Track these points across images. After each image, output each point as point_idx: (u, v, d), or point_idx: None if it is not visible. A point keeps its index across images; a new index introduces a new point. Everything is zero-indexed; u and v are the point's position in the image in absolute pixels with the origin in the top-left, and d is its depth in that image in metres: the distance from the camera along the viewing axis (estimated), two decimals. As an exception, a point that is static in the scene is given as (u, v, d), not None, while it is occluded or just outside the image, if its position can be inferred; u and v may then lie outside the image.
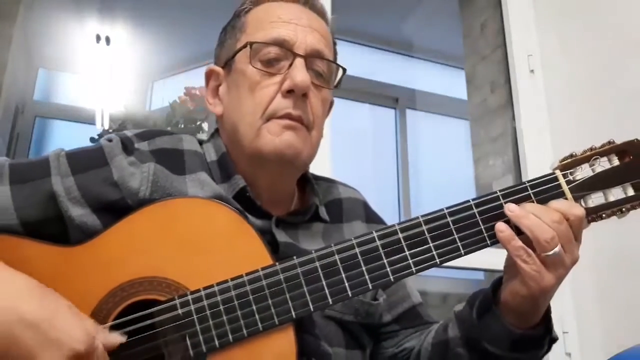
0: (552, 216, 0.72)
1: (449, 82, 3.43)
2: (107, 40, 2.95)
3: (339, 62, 0.95)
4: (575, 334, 1.84)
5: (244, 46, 0.87)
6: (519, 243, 0.72)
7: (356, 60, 3.40)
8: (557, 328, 1.89)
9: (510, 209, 0.74)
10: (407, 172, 3.47)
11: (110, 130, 2.73)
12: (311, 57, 0.86)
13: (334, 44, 0.96)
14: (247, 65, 0.86)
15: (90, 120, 2.82)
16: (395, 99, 3.65)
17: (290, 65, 0.84)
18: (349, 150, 3.18)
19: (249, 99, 0.85)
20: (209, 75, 0.94)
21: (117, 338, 0.68)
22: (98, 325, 0.67)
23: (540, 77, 2.12)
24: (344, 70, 0.93)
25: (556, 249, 0.71)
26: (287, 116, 0.83)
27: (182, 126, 2.65)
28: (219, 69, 0.93)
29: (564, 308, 1.86)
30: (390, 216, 2.03)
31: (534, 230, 0.71)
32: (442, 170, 3.28)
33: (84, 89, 2.93)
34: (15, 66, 2.31)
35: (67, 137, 2.92)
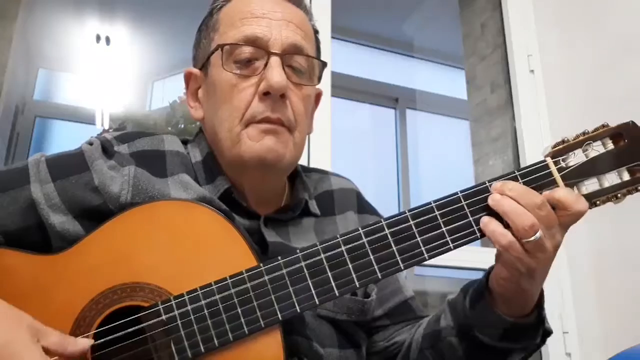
0: (534, 199, 0.69)
1: (449, 82, 3.43)
2: (107, 40, 2.95)
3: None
4: (575, 334, 1.84)
5: (216, 49, 0.83)
6: (498, 228, 0.70)
7: (356, 60, 3.41)
8: (557, 328, 1.90)
9: (493, 193, 0.72)
10: (407, 172, 3.47)
11: (110, 130, 2.73)
12: (288, 54, 0.82)
13: (316, 32, 0.91)
14: (221, 69, 0.82)
15: (90, 120, 2.82)
16: (395, 99, 3.65)
17: (266, 64, 0.80)
18: (349, 150, 3.18)
19: (226, 104, 0.82)
20: (187, 78, 0.90)
21: (85, 342, 0.66)
22: (64, 336, 0.66)
23: (540, 77, 2.12)
24: (324, 64, 0.89)
25: (537, 235, 0.69)
26: (266, 120, 0.80)
27: (182, 126, 2.65)
28: (197, 71, 0.89)
29: (564, 308, 1.86)
30: (390, 216, 2.02)
31: (511, 216, 0.69)
32: (442, 170, 3.28)
33: (84, 89, 2.93)
34: (15, 66, 2.31)
35: (67, 137, 2.92)
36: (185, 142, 0.90)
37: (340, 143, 1.88)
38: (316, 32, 0.92)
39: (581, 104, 1.94)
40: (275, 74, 0.79)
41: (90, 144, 0.82)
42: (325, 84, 1.82)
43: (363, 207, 0.98)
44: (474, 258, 1.74)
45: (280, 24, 0.83)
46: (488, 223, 0.71)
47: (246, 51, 0.81)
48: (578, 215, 0.72)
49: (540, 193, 0.72)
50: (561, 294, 1.86)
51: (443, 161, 3.36)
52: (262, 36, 0.81)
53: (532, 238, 0.68)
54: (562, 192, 0.71)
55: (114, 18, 2.95)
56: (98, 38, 2.94)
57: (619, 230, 1.75)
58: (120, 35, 2.99)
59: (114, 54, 2.96)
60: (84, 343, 0.67)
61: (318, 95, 0.94)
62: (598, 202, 0.74)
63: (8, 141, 2.46)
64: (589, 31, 1.98)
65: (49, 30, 2.79)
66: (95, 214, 0.76)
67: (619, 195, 0.74)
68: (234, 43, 0.82)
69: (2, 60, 2.05)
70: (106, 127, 2.79)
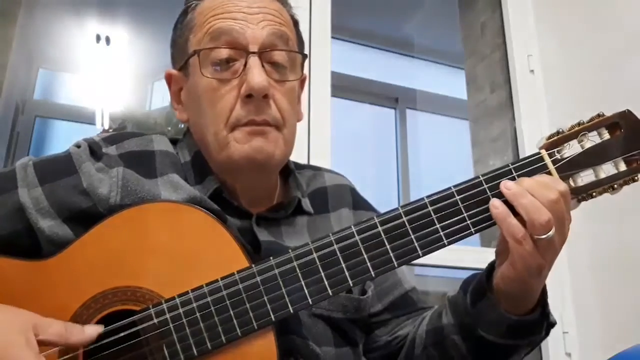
0: (549, 195, 0.68)
1: (449, 82, 3.43)
2: (107, 40, 2.95)
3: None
4: (575, 334, 1.84)
5: (192, 54, 0.82)
6: (515, 221, 0.68)
7: (356, 60, 3.41)
8: (557, 328, 1.90)
9: (507, 186, 0.70)
10: (407, 172, 3.47)
11: (110, 130, 2.73)
12: (266, 50, 0.80)
13: (296, 23, 0.89)
14: (199, 75, 0.81)
15: (90, 120, 2.82)
16: (395, 99, 3.65)
17: (245, 65, 0.79)
18: (349, 150, 3.18)
19: (209, 109, 0.81)
20: (168, 80, 0.90)
21: (94, 330, 0.66)
22: (68, 325, 0.65)
23: (540, 77, 2.12)
24: (305, 56, 0.87)
25: (550, 233, 0.67)
26: (251, 122, 0.79)
27: (182, 126, 2.65)
28: (176, 72, 0.88)
29: (564, 308, 1.86)
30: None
31: (530, 212, 0.67)
32: (442, 170, 3.28)
33: (84, 89, 2.93)
34: (16, 66, 2.31)
35: (67, 137, 2.93)
36: (174, 142, 0.90)
37: (340, 143, 1.88)
38: (296, 22, 0.90)
39: (581, 104, 1.94)
40: (256, 75, 0.78)
41: (78, 146, 0.81)
42: (325, 84, 1.82)
43: (358, 203, 0.97)
44: (474, 258, 1.74)
45: (257, 18, 0.81)
46: (504, 213, 0.69)
47: (223, 52, 0.80)
48: (565, 198, 0.70)
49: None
50: (561, 294, 1.86)
51: (443, 161, 3.36)
52: (238, 29, 0.80)
53: (546, 236, 0.67)
54: (540, 179, 0.70)
55: (114, 18, 2.95)
56: (98, 38, 2.93)
57: (619, 230, 1.75)
58: (120, 35, 2.99)
59: (114, 54, 2.95)
60: (90, 332, 0.66)
61: (302, 81, 0.92)
62: (594, 193, 0.72)
63: (8, 141, 2.45)
64: (589, 31, 1.98)
65: (49, 30, 2.78)
66: (85, 217, 0.75)
67: (615, 186, 0.72)
68: (211, 47, 0.80)
69: (3, 60, 2.05)
70: (106, 127, 2.78)
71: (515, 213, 0.69)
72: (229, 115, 0.80)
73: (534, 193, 0.68)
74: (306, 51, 0.92)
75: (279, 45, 0.82)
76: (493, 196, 0.72)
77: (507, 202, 0.70)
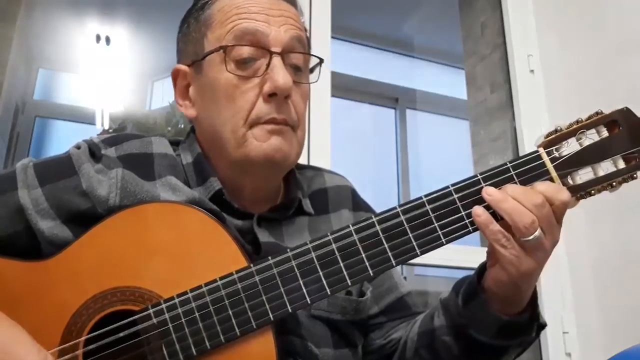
0: (534, 199, 0.68)
1: (449, 82, 3.43)
2: (107, 40, 2.95)
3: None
4: (575, 334, 1.84)
5: (217, 50, 0.81)
6: (497, 227, 0.69)
7: (356, 60, 3.41)
8: (557, 328, 1.90)
9: (488, 192, 0.70)
10: (407, 172, 3.47)
11: (110, 130, 2.73)
12: (287, 52, 0.82)
13: (306, 30, 0.91)
14: (221, 71, 0.81)
15: (90, 120, 2.83)
16: (395, 99, 3.65)
17: (268, 65, 0.80)
18: (349, 150, 3.18)
19: (228, 105, 0.81)
20: (175, 75, 0.89)
21: None
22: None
23: (540, 77, 2.12)
24: (321, 60, 0.88)
25: (536, 234, 0.68)
26: (272, 121, 0.80)
27: (182, 126, 2.66)
28: (185, 68, 0.87)
29: (564, 308, 1.86)
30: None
31: (512, 215, 0.68)
32: (442, 170, 3.28)
33: (84, 89, 2.93)
34: (16, 66, 2.31)
35: (67, 137, 2.93)
36: (177, 144, 0.90)
37: (340, 143, 1.88)
38: (306, 30, 0.91)
39: (581, 103, 1.94)
40: (281, 75, 0.79)
41: (78, 147, 0.82)
42: (325, 84, 1.82)
43: (358, 204, 0.98)
44: (474, 258, 1.74)
45: (279, 21, 0.82)
46: (487, 220, 0.70)
47: (246, 51, 0.81)
48: (564, 207, 0.70)
49: (526, 185, 0.71)
50: (561, 294, 1.86)
51: (443, 161, 3.36)
52: (262, 30, 0.81)
53: (532, 237, 0.68)
54: (542, 186, 0.70)
55: (114, 18, 2.95)
56: (98, 38, 2.94)
57: (619, 230, 1.75)
58: (120, 35, 2.99)
59: (114, 54, 2.96)
60: None
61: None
62: (593, 191, 0.73)
63: (8, 141, 2.46)
64: (589, 31, 1.98)
65: (49, 30, 2.79)
66: (84, 218, 0.75)
67: (614, 184, 0.72)
68: (237, 44, 0.81)
69: (3, 60, 2.05)
70: (106, 127, 2.79)
71: (501, 218, 0.70)
72: (249, 113, 0.80)
73: (518, 198, 0.69)
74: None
75: (298, 48, 0.84)
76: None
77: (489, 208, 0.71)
